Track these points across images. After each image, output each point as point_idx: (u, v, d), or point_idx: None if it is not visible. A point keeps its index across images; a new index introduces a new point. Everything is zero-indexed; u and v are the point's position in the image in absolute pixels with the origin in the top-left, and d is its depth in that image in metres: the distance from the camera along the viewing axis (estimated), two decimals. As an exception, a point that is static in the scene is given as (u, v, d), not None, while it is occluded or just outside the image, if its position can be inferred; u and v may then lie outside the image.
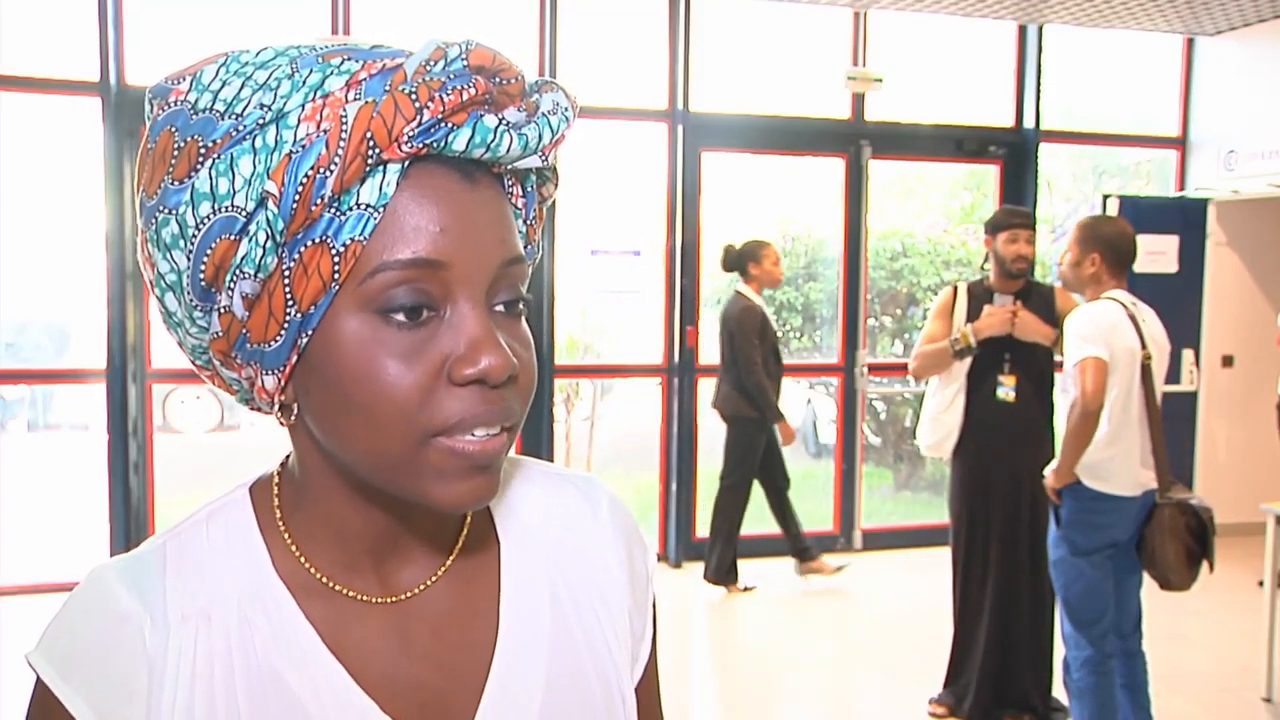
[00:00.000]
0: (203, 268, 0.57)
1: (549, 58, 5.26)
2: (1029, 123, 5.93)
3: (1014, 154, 5.99)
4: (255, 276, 0.57)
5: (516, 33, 5.23)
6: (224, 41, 0.61)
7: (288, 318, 0.57)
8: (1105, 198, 5.67)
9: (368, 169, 0.55)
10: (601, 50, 5.74)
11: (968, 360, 3.42)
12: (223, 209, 0.56)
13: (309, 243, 0.56)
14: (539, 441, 5.27)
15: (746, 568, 5.50)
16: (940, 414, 3.51)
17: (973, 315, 3.44)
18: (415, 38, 0.60)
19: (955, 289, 3.56)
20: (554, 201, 0.69)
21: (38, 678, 0.64)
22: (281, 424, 0.64)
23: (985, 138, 5.97)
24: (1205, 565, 2.96)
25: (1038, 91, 5.89)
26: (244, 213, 0.55)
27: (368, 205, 0.56)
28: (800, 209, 6.47)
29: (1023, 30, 5.91)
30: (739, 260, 4.87)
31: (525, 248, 0.66)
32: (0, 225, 5.17)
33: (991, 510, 3.47)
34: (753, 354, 4.75)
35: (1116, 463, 2.95)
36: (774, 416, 4.80)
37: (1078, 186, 7.22)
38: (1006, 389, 3.38)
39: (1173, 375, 5.52)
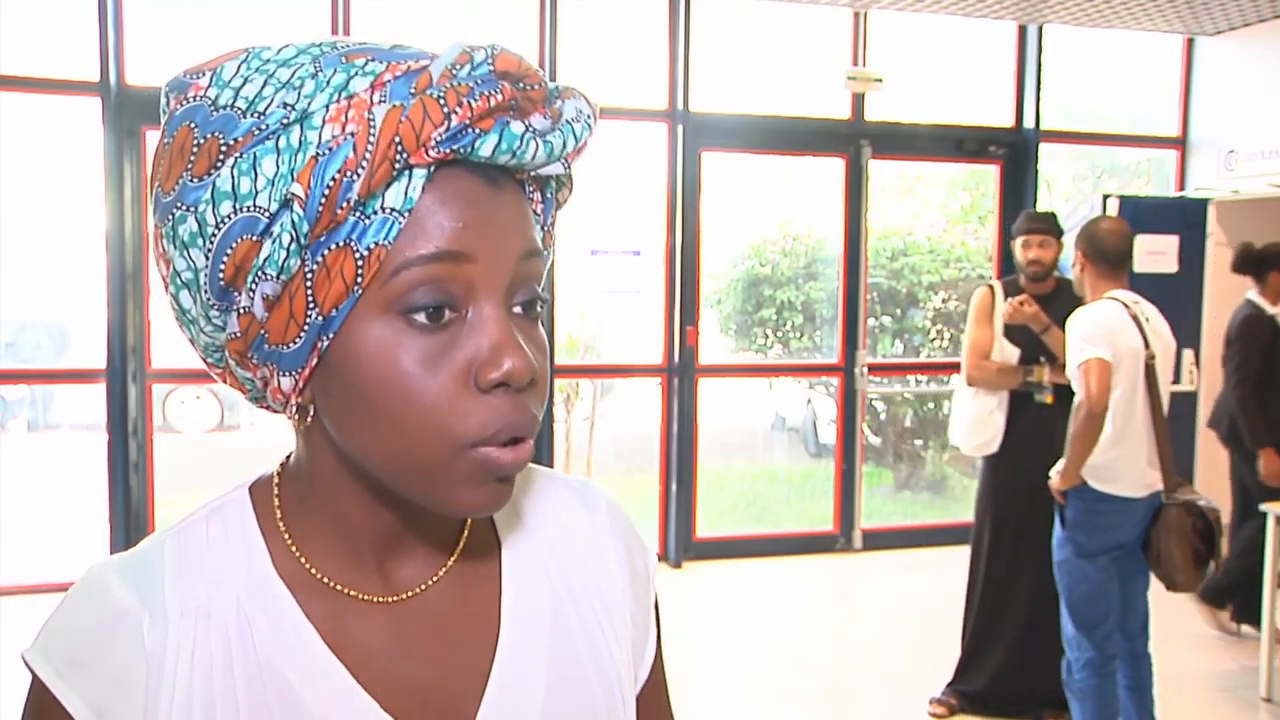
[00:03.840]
0: (222, 267, 0.57)
1: (549, 58, 5.26)
2: (1029, 123, 5.93)
3: (1014, 154, 5.99)
4: (277, 278, 0.56)
5: (517, 33, 5.23)
6: (223, 42, 0.61)
7: (308, 320, 0.57)
8: (1105, 198, 5.67)
9: (394, 173, 0.55)
10: (601, 50, 5.74)
11: (1013, 358, 3.48)
12: (244, 209, 0.55)
13: (333, 245, 0.55)
14: (539, 441, 5.24)
15: (746, 568, 5.50)
16: (988, 415, 3.54)
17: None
18: (426, 40, 0.60)
19: (991, 289, 3.61)
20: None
21: (34, 675, 0.63)
22: (296, 427, 0.64)
23: (985, 138, 5.97)
24: (1213, 566, 2.95)
25: (1038, 91, 5.89)
26: (267, 213, 0.55)
27: (393, 209, 0.55)
28: (800, 209, 6.47)
29: (1023, 30, 5.91)
30: (1256, 263, 4.32)
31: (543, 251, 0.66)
32: (0, 225, 5.17)
33: (1024, 510, 3.46)
34: (1244, 367, 4.18)
35: (1122, 463, 2.94)
36: (1255, 441, 4.16)
37: (1078, 186, 7.21)
38: (1045, 391, 3.41)
39: (1173, 375, 5.52)
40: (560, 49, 5.27)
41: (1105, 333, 2.90)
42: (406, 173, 0.55)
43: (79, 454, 7.15)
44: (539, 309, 0.63)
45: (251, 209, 0.55)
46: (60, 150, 5.47)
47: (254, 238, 0.56)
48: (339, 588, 0.66)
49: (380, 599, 0.67)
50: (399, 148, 0.54)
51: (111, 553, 4.69)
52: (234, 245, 0.56)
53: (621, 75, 5.77)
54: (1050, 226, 3.51)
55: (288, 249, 0.55)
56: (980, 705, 3.60)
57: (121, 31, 4.76)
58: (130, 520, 4.86)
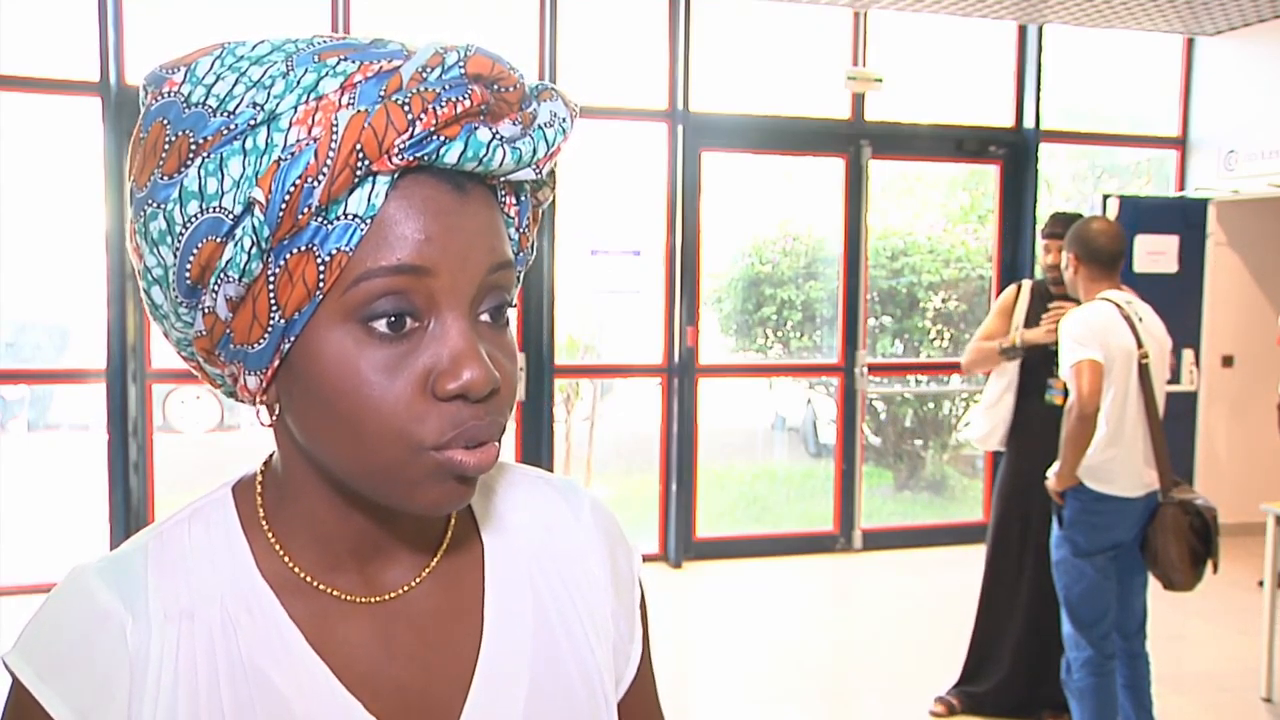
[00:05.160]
0: (188, 267, 0.56)
1: (549, 58, 5.26)
2: (1029, 123, 5.92)
3: (1014, 154, 5.99)
4: (240, 280, 0.56)
5: (516, 33, 5.23)
6: (223, 38, 0.61)
7: (271, 322, 0.57)
8: (1105, 198, 5.67)
9: (356, 180, 0.54)
10: (601, 50, 5.73)
11: (1019, 358, 3.48)
12: (210, 209, 0.55)
13: (295, 250, 0.55)
14: (539, 441, 5.27)
15: (746, 568, 5.50)
16: (990, 408, 3.57)
17: (1033, 314, 3.52)
18: (417, 36, 0.60)
19: (1019, 287, 3.62)
20: (553, 201, 0.69)
21: (14, 679, 0.63)
22: (263, 424, 0.64)
23: (985, 138, 5.97)
24: (1210, 565, 2.96)
25: (1038, 91, 5.88)
26: (231, 215, 0.55)
27: (355, 216, 0.55)
28: (800, 209, 6.46)
29: (1023, 30, 5.91)
30: None
31: (517, 254, 0.65)
32: (0, 225, 5.17)
33: (1031, 510, 3.46)
34: None
35: (1118, 463, 2.94)
36: None
37: (1078, 186, 7.21)
38: (1054, 391, 3.40)
39: (1173, 375, 5.52)
40: (560, 49, 5.27)
41: (1096, 334, 2.90)
42: (370, 179, 0.55)
43: (79, 454, 7.15)
44: (507, 315, 0.62)
45: (216, 210, 0.55)
46: (60, 150, 5.47)
47: (218, 239, 0.55)
48: (322, 588, 0.66)
49: (363, 599, 0.67)
50: (360, 155, 0.53)
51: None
52: (199, 245, 0.56)
53: (621, 75, 5.77)
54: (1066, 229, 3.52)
55: (249, 252, 0.55)
56: (984, 706, 3.59)
57: (121, 31, 4.76)
58: (130, 520, 4.85)
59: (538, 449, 5.26)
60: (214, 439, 8.03)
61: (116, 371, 4.80)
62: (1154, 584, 3.07)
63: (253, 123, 0.55)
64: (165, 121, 0.57)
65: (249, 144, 0.55)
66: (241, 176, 0.54)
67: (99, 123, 4.72)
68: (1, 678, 0.65)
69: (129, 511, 4.86)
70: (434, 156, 0.55)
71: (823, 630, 4.68)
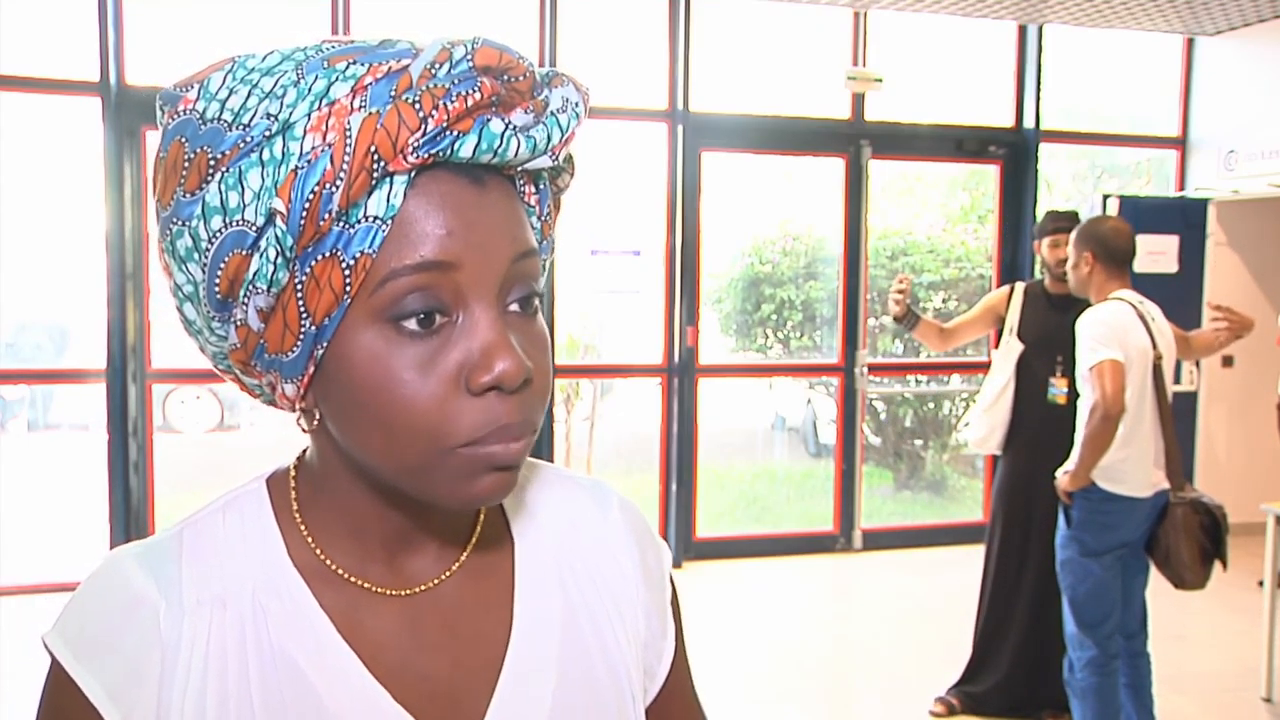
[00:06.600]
0: (217, 281, 0.57)
1: (549, 58, 5.26)
2: (1029, 123, 5.93)
3: (1014, 154, 5.99)
4: (268, 291, 0.57)
5: (517, 32, 5.23)
6: (223, 42, 0.61)
7: (303, 330, 0.58)
8: (1105, 198, 5.67)
9: (374, 182, 0.55)
10: (601, 50, 5.74)
11: (1015, 355, 3.48)
12: (234, 223, 0.56)
13: (319, 257, 0.56)
14: (539, 441, 5.26)
15: (746, 567, 5.50)
16: (987, 410, 3.55)
17: (1027, 315, 3.52)
18: (423, 34, 0.60)
19: (1013, 288, 3.63)
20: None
21: (53, 658, 0.64)
22: (304, 430, 0.65)
23: (985, 138, 5.97)
24: (1218, 564, 2.96)
25: (1038, 91, 5.89)
26: (254, 228, 0.55)
27: (376, 218, 0.55)
28: (800, 209, 6.46)
29: (1023, 30, 5.91)
30: None
31: (541, 242, 0.66)
32: (0, 225, 5.17)
33: (1033, 509, 3.46)
34: None
35: (1131, 464, 2.94)
36: None
37: (1078, 186, 7.21)
38: (1058, 390, 3.38)
39: (1173, 375, 5.52)
40: (560, 49, 5.27)
41: (1116, 334, 2.89)
42: (387, 180, 0.55)
43: (79, 454, 7.15)
44: (536, 304, 0.63)
45: (240, 223, 0.56)
46: (60, 150, 5.47)
47: (244, 252, 0.56)
48: (353, 579, 0.67)
49: (394, 592, 0.68)
50: (375, 157, 0.54)
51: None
52: (226, 260, 0.56)
53: (621, 75, 5.77)
54: (1074, 225, 3.51)
55: (275, 262, 0.56)
56: (984, 706, 3.60)
57: (121, 31, 4.76)
58: (130, 520, 4.85)
59: (538, 449, 5.24)
60: (214, 439, 8.03)
61: (116, 371, 4.80)
62: (1153, 583, 3.07)
63: (268, 133, 0.55)
64: (183, 139, 0.58)
65: (266, 155, 0.55)
66: (261, 188, 0.55)
67: (99, 123, 4.72)
68: (19, 674, 0.66)
69: (129, 511, 4.86)
70: (449, 152, 0.55)
71: (823, 630, 4.68)
